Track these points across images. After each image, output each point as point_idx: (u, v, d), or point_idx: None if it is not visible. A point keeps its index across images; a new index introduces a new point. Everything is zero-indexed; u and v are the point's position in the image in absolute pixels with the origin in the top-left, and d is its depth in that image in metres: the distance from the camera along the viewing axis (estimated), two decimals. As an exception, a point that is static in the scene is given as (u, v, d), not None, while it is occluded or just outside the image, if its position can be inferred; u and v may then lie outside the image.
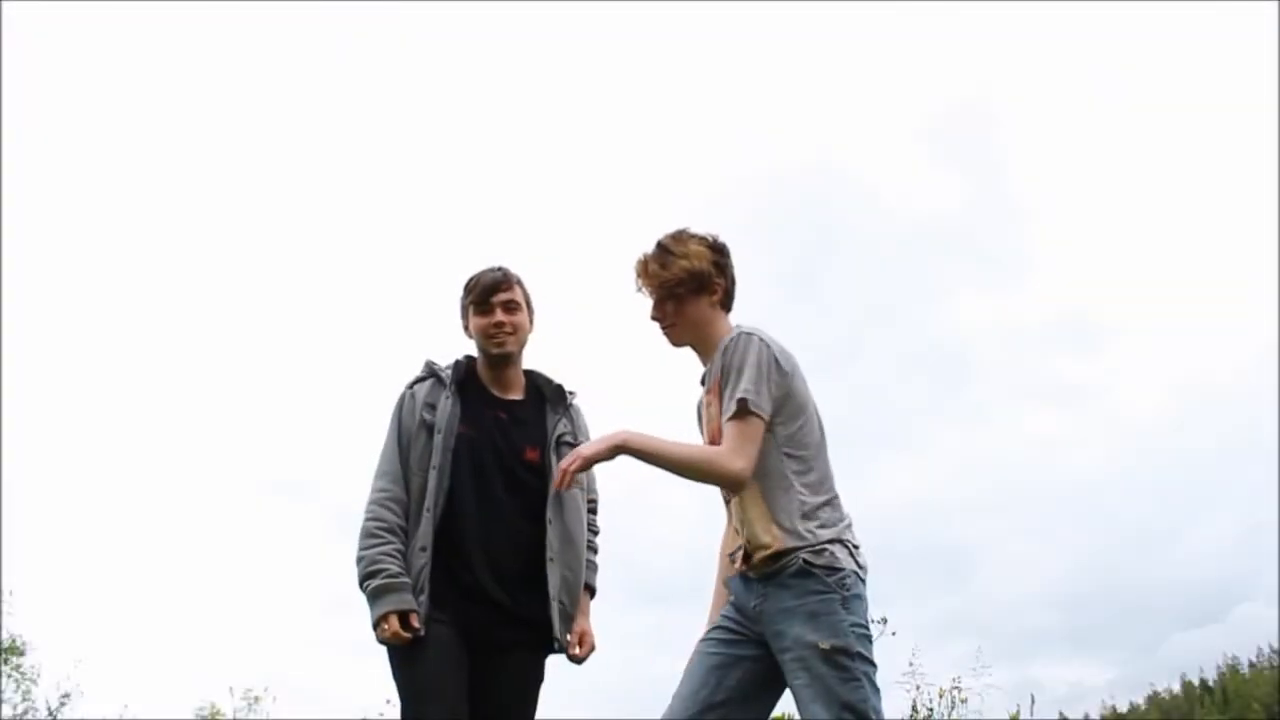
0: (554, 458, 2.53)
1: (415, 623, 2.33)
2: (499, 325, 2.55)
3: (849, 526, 2.15)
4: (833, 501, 2.15)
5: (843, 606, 2.01)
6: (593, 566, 2.67)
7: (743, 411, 2.07)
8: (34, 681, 9.70)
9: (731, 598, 2.22)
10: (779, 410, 2.12)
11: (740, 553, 2.18)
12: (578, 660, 2.52)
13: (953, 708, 5.49)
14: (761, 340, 2.14)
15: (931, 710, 5.52)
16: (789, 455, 2.12)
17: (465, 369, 2.64)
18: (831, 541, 2.06)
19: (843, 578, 2.04)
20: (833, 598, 2.01)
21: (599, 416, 2.71)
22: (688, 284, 2.24)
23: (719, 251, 2.30)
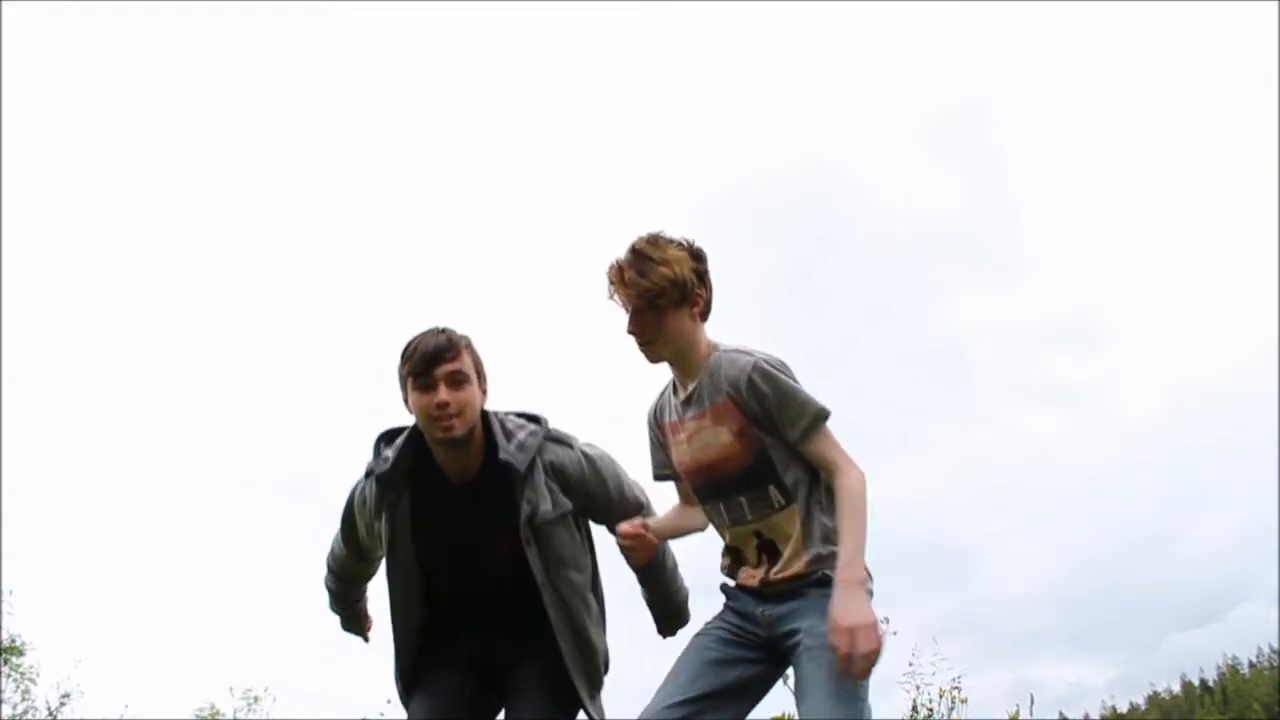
0: (533, 549, 2.22)
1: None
2: (442, 406, 2.13)
3: None
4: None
5: None
6: (681, 593, 2.53)
7: (821, 420, 2.01)
8: (34, 681, 9.71)
9: (732, 604, 2.18)
10: None
11: (752, 569, 2.11)
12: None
13: (953, 708, 5.50)
14: (782, 363, 2.08)
15: (931, 710, 5.53)
16: (814, 476, 2.05)
17: (413, 459, 2.24)
18: None
19: None
20: None
21: (619, 432, 2.46)
22: (670, 294, 2.05)
23: (699, 259, 2.12)
